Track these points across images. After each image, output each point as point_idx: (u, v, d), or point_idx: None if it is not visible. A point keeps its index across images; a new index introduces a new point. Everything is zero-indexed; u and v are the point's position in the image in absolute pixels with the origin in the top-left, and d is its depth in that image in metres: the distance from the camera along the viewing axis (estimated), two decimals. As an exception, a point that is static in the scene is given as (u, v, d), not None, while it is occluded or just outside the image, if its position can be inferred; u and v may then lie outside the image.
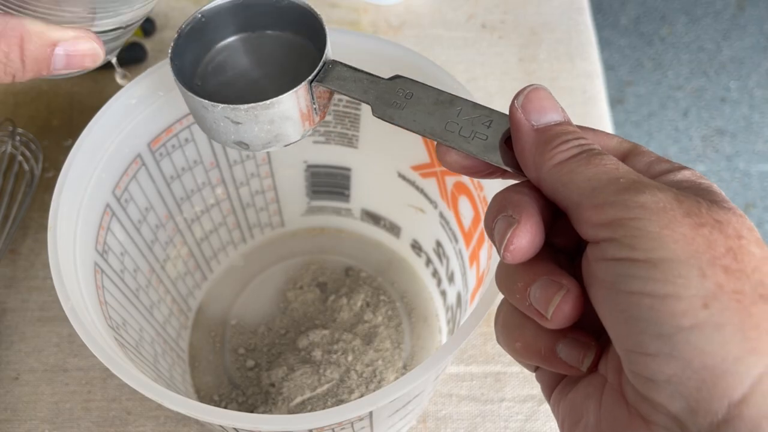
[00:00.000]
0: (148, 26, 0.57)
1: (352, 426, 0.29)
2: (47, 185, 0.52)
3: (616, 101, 1.43)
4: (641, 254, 0.20)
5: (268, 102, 0.27)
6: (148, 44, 0.57)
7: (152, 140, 0.34)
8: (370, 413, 0.28)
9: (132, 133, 0.32)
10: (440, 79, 0.34)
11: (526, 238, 0.23)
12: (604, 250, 0.21)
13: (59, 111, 0.56)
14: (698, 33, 1.51)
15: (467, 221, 0.36)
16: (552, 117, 0.24)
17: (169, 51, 0.29)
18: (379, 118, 0.27)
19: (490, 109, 0.26)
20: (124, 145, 0.32)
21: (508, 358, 0.46)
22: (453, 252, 0.40)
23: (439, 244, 0.43)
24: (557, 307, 0.22)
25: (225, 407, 0.43)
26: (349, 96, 0.28)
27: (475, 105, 0.26)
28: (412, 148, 0.38)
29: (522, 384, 0.45)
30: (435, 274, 0.46)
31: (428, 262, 0.46)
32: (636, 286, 0.20)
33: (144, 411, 0.43)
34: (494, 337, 0.47)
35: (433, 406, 0.44)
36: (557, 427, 0.43)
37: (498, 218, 0.24)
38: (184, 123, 0.35)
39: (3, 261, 0.49)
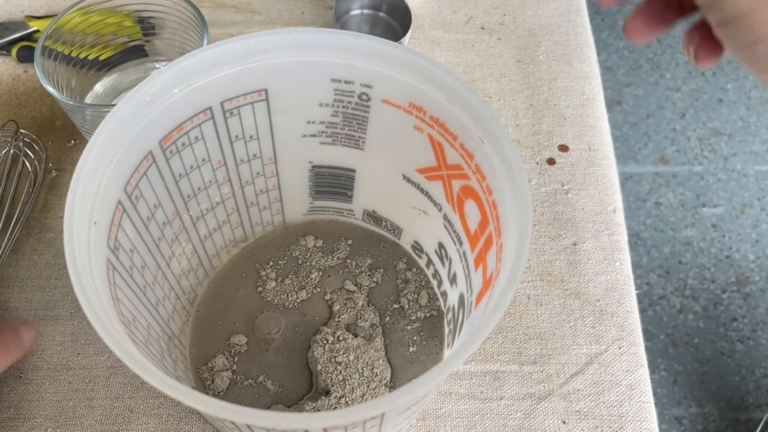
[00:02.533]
0: (146, 27, 0.57)
1: (364, 425, 0.29)
2: (50, 186, 0.52)
3: (614, 102, 1.44)
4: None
5: None
6: (147, 45, 0.57)
7: (164, 137, 0.34)
8: (383, 413, 0.28)
9: (145, 130, 0.32)
10: (441, 79, 0.34)
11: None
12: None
13: (62, 112, 0.56)
14: (693, 36, 1.52)
15: (473, 224, 0.36)
16: None
17: None
18: None
19: None
20: (137, 142, 0.32)
21: (507, 356, 0.46)
22: (456, 254, 0.40)
23: (441, 246, 0.43)
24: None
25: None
26: None
27: None
28: (420, 151, 0.38)
29: (520, 382, 0.45)
30: (435, 275, 0.46)
31: (429, 263, 0.47)
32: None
33: (147, 409, 0.44)
34: (493, 335, 0.47)
35: (433, 404, 0.44)
36: (554, 425, 0.43)
37: None
38: (195, 121, 0.35)
39: (6, 261, 0.49)
